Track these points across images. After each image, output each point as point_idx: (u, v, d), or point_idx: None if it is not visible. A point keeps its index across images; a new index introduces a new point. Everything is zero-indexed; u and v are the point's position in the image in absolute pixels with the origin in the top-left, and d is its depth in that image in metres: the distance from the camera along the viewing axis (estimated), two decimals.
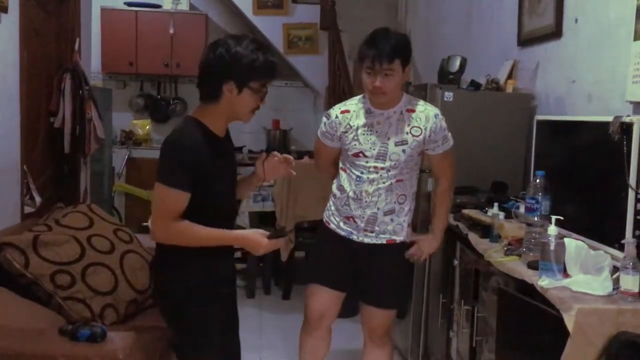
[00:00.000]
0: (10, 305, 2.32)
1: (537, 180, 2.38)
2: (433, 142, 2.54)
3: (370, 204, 2.55)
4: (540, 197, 2.34)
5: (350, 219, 2.59)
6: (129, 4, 6.33)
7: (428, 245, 2.68)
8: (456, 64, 3.43)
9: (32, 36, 3.40)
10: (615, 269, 1.90)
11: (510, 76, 3.36)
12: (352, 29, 6.42)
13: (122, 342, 2.17)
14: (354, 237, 2.61)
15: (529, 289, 2.00)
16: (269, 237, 2.07)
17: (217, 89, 2.02)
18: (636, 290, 1.80)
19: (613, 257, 1.96)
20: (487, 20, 3.95)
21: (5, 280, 2.44)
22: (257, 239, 2.08)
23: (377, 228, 2.58)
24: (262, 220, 4.67)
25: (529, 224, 2.28)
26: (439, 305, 3.05)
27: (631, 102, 2.34)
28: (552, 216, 2.08)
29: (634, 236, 1.98)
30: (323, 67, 6.17)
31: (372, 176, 2.53)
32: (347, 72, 5.52)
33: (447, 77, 3.42)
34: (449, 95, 3.12)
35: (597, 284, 1.85)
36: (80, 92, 3.87)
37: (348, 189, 2.58)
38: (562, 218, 2.08)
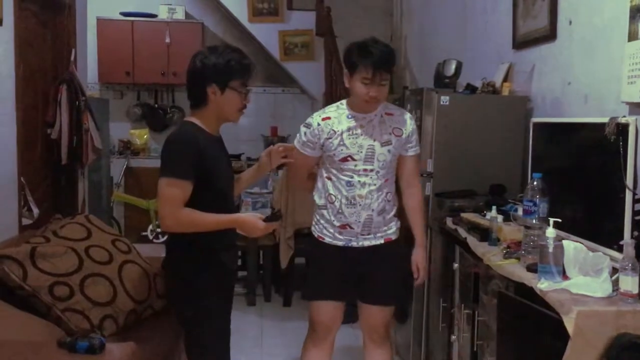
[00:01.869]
0: (8, 318, 2.31)
1: (535, 183, 2.37)
2: (409, 142, 2.64)
3: (364, 206, 2.57)
4: (537, 200, 2.34)
5: (346, 226, 2.60)
6: (125, 14, 6.35)
7: (422, 260, 2.73)
8: (452, 68, 3.43)
9: (27, 48, 3.41)
10: (614, 271, 1.89)
11: (506, 79, 3.37)
12: (348, 34, 6.39)
13: (121, 354, 2.16)
14: (353, 244, 2.62)
15: (528, 292, 1.99)
16: (265, 220, 2.20)
17: (203, 93, 2.24)
18: (636, 291, 1.79)
19: (612, 259, 1.95)
20: (482, 23, 3.96)
21: (3, 293, 2.43)
22: (253, 221, 2.21)
23: (373, 229, 2.61)
24: None
25: (527, 227, 2.28)
26: (439, 310, 3.04)
27: (627, 103, 2.34)
28: (550, 218, 2.07)
29: (632, 237, 1.97)
30: (319, 73, 6.18)
31: (362, 179, 2.56)
32: (343, 77, 5.52)
33: (443, 82, 3.42)
34: (445, 100, 3.13)
35: (597, 286, 1.84)
36: (77, 102, 3.87)
37: (339, 196, 2.58)
38: (560, 220, 2.07)
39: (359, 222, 2.58)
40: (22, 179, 3.23)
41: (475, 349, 2.56)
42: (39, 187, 3.61)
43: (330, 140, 2.58)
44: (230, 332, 2.40)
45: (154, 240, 6.16)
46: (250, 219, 2.23)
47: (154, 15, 6.42)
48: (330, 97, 5.72)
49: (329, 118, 2.62)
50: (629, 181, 2.00)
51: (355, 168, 2.56)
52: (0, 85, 3.02)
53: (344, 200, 2.58)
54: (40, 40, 3.70)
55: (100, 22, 6.17)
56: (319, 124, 2.61)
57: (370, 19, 6.56)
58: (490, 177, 3.08)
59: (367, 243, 2.62)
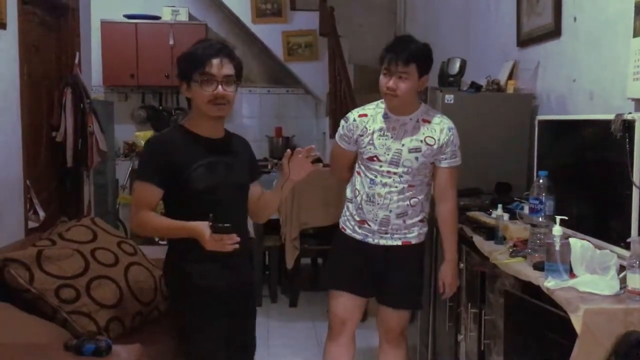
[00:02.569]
0: (15, 321, 2.31)
1: (540, 181, 2.36)
2: (443, 153, 2.58)
3: (382, 206, 2.57)
4: (544, 198, 2.33)
5: (364, 222, 2.62)
6: (129, 17, 6.36)
7: (447, 275, 2.68)
8: (456, 66, 3.42)
9: (31, 51, 3.42)
10: (621, 268, 1.88)
11: (510, 77, 3.35)
12: (351, 34, 6.44)
13: (128, 356, 2.15)
14: (370, 240, 2.63)
15: (535, 291, 1.98)
16: (212, 230, 1.99)
17: (182, 93, 2.20)
18: None
19: (619, 256, 1.94)
20: (486, 21, 3.95)
21: (9, 296, 2.43)
22: (200, 230, 2.01)
23: (390, 230, 2.60)
24: (266, 228, 4.66)
25: (533, 225, 2.27)
26: (446, 309, 3.03)
27: (632, 99, 2.32)
28: (556, 216, 2.06)
29: (639, 234, 1.96)
30: (323, 73, 6.18)
31: (385, 180, 2.56)
32: (347, 77, 5.52)
33: (447, 80, 3.41)
34: (449, 98, 3.11)
35: (604, 284, 1.83)
36: (82, 105, 3.89)
37: (362, 192, 2.61)
38: (566, 218, 2.06)
39: (376, 220, 2.59)
40: (27, 182, 3.24)
41: (482, 348, 2.55)
42: (44, 190, 3.62)
43: (362, 137, 2.60)
44: (235, 343, 2.31)
45: (160, 242, 6.15)
46: (197, 228, 2.02)
47: (158, 17, 6.42)
48: (335, 97, 5.72)
49: (365, 115, 2.63)
50: (636, 178, 1.98)
51: (380, 169, 2.56)
52: (5, 89, 3.03)
53: (364, 197, 2.60)
54: (44, 43, 3.71)
55: (104, 24, 6.18)
56: (354, 120, 2.64)
57: (374, 18, 6.56)
58: (496, 176, 3.07)
59: (383, 242, 2.62)
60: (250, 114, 6.79)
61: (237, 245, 2.01)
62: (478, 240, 2.60)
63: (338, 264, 2.78)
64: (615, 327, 1.71)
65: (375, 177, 2.58)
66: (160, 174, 2.11)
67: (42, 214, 3.31)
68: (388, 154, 2.55)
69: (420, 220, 2.66)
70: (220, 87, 2.11)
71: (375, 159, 2.56)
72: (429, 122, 2.58)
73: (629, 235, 1.97)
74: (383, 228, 2.61)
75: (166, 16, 6.44)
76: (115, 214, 5.92)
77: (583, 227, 2.25)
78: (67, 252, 2.67)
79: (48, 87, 3.74)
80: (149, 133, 6.56)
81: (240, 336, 2.33)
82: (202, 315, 2.19)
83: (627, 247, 1.92)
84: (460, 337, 2.84)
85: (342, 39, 5.94)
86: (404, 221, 2.61)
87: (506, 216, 2.60)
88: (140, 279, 2.85)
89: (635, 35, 2.29)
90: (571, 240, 1.98)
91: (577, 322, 1.71)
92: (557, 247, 1.93)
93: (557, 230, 1.98)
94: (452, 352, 2.98)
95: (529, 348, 2.06)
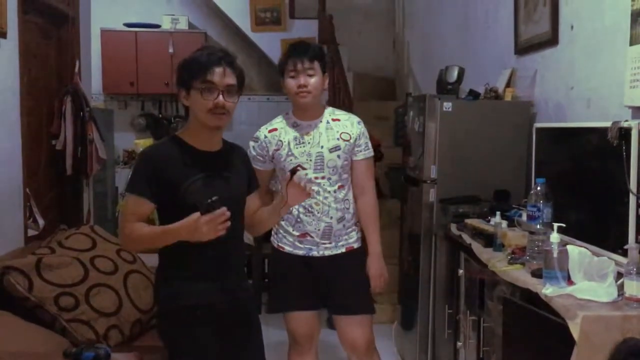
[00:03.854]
0: (14, 329, 2.32)
1: (538, 188, 2.37)
2: (358, 146, 2.63)
3: (323, 214, 2.56)
4: (541, 205, 2.33)
5: (306, 235, 2.59)
6: (129, 25, 6.38)
7: (376, 268, 2.66)
8: (454, 74, 3.43)
9: (31, 60, 3.43)
10: (619, 275, 1.88)
11: (508, 84, 3.37)
12: (350, 42, 6.46)
13: None
14: (314, 253, 2.61)
15: (534, 298, 1.99)
16: (201, 212, 1.87)
17: (180, 102, 2.12)
18: None
19: (617, 263, 1.94)
20: (484, 29, 3.97)
21: (9, 304, 2.44)
22: (189, 221, 1.88)
23: (333, 237, 2.60)
24: (266, 236, 4.65)
25: (531, 232, 2.27)
26: (445, 316, 3.03)
27: (629, 107, 2.33)
28: (554, 223, 2.07)
29: (636, 241, 1.96)
30: None
31: (315, 188, 2.52)
32: (346, 85, 5.54)
33: (445, 88, 3.43)
34: (448, 106, 3.13)
35: (602, 291, 1.83)
36: (81, 113, 3.89)
37: (296, 206, 2.52)
38: (564, 225, 2.06)
39: (318, 230, 2.57)
40: (27, 190, 3.24)
41: (481, 356, 2.54)
42: (44, 198, 3.62)
43: (278, 151, 2.58)
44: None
45: None
46: (185, 222, 1.90)
47: (158, 26, 6.45)
48: (334, 104, 5.72)
49: (275, 130, 2.63)
50: (633, 185, 1.99)
51: (305, 177, 2.48)
52: (5, 97, 3.04)
53: (301, 210, 2.56)
54: (44, 52, 3.73)
55: (104, 33, 6.21)
56: (265, 137, 2.62)
57: (373, 26, 6.59)
58: (494, 183, 3.08)
59: (328, 252, 2.61)
60: (249, 121, 6.79)
61: (228, 224, 1.88)
62: (476, 247, 2.60)
63: (283, 285, 2.70)
64: (613, 334, 1.71)
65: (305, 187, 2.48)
66: (153, 188, 2.02)
67: (41, 222, 3.31)
68: (310, 160, 2.55)
69: (355, 224, 2.67)
70: (221, 96, 2.04)
71: (299, 168, 2.47)
72: (339, 120, 2.63)
73: (626, 242, 1.97)
74: (326, 237, 2.58)
75: (166, 25, 6.47)
76: (114, 222, 5.92)
77: (581, 234, 2.25)
78: (66, 260, 2.68)
79: (48, 96, 3.75)
80: (148, 141, 6.58)
81: (237, 354, 2.21)
82: (189, 336, 2.08)
83: (624, 254, 1.92)
84: (459, 345, 2.84)
85: (341, 47, 5.95)
86: (344, 225, 2.61)
87: (504, 223, 2.60)
88: (140, 287, 2.85)
89: (632, 44, 2.30)
90: (569, 247, 1.98)
91: (575, 329, 1.71)
92: (555, 254, 1.94)
93: (554, 237, 1.98)
94: (451, 359, 2.98)
95: (527, 355, 2.06)
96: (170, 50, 6.28)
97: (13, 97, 3.13)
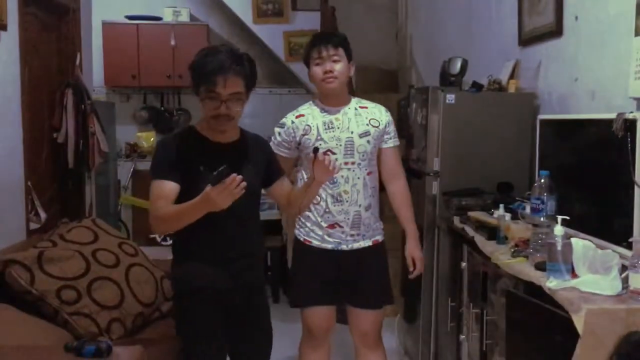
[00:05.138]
0: (16, 323, 2.31)
1: (542, 180, 2.35)
2: (388, 133, 2.65)
3: (352, 202, 2.56)
4: (545, 197, 2.32)
5: (335, 225, 2.58)
6: (130, 17, 6.36)
7: (414, 249, 2.73)
8: (457, 65, 3.41)
9: (32, 53, 3.42)
10: (623, 268, 1.87)
11: (512, 76, 3.34)
12: (352, 34, 6.41)
13: (129, 357, 2.15)
14: (343, 247, 2.61)
15: (537, 291, 1.97)
16: (211, 184, 1.91)
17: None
18: None
19: (621, 256, 1.92)
20: (487, 21, 3.94)
21: (11, 298, 2.43)
22: (203, 196, 1.94)
23: (362, 227, 2.60)
24: (268, 228, 4.66)
25: (535, 225, 2.26)
26: (447, 309, 3.02)
27: (634, 99, 2.31)
28: (558, 216, 2.05)
29: None
30: None
31: (345, 174, 2.54)
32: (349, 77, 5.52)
33: (448, 80, 3.41)
34: (451, 98, 3.11)
35: (606, 284, 1.82)
36: (83, 106, 3.89)
37: (323, 195, 2.55)
38: (568, 218, 2.05)
39: (348, 219, 2.57)
40: (29, 184, 3.24)
41: (484, 349, 2.54)
42: (46, 191, 3.62)
43: (306, 136, 2.57)
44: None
45: (162, 243, 6.16)
46: (202, 195, 1.95)
47: (159, 18, 6.42)
48: None
49: (302, 115, 2.62)
50: (638, 177, 1.97)
51: (336, 163, 2.45)
52: (6, 90, 3.03)
53: (329, 199, 2.56)
54: (45, 44, 3.72)
55: (106, 25, 6.18)
56: (292, 122, 2.62)
57: (375, 18, 6.56)
58: (498, 175, 3.06)
59: (356, 246, 2.61)
60: (251, 114, 6.76)
61: (244, 184, 1.89)
62: (480, 240, 2.59)
63: (307, 279, 2.68)
64: (617, 327, 1.70)
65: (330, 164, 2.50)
66: (176, 170, 2.11)
67: (43, 215, 3.31)
68: (340, 145, 2.55)
69: (377, 211, 2.69)
70: (223, 106, 2.08)
71: (329, 153, 2.47)
72: (366, 107, 2.66)
73: (631, 234, 1.96)
74: (355, 226, 2.58)
75: (167, 17, 6.44)
76: (116, 215, 5.93)
77: (585, 227, 2.23)
78: (68, 254, 2.67)
79: (49, 88, 3.75)
80: (150, 134, 6.58)
81: (244, 334, 2.35)
82: (197, 315, 2.23)
83: (629, 246, 1.91)
84: (462, 338, 2.83)
85: None
86: (372, 214, 2.62)
87: (508, 216, 2.59)
88: (142, 280, 2.85)
89: (636, 35, 2.28)
90: (573, 240, 1.97)
91: (579, 323, 1.70)
92: (559, 247, 1.92)
93: (558, 230, 1.97)
94: (454, 352, 2.97)
95: (530, 348, 2.06)
96: (172, 43, 6.26)
97: (14, 90, 3.12)
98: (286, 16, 6.39)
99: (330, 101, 2.61)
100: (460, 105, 3.12)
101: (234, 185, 1.89)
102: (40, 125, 3.61)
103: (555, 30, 2.98)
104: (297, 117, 2.63)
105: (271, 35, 6.36)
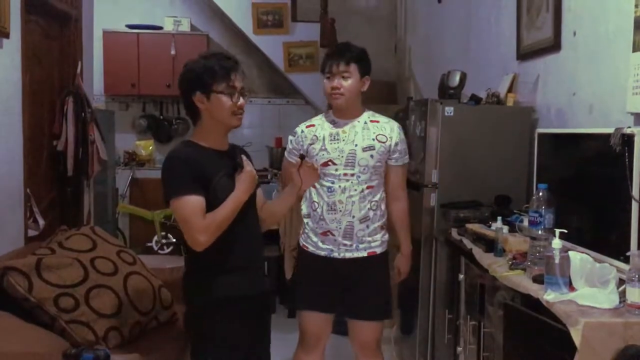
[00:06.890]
0: (13, 330, 2.31)
1: (540, 194, 2.36)
2: (397, 152, 2.68)
3: (345, 213, 2.60)
4: (543, 210, 2.33)
5: (327, 233, 2.63)
6: (131, 27, 6.39)
7: (403, 265, 2.84)
8: (456, 78, 3.43)
9: (34, 60, 3.43)
10: (621, 282, 1.88)
11: (510, 90, 3.36)
12: None
13: None
14: (335, 255, 2.64)
15: (534, 304, 1.98)
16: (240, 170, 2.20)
17: (191, 105, 2.20)
18: None
19: (618, 270, 1.93)
20: (486, 34, 3.97)
21: (8, 305, 2.43)
22: (242, 181, 2.18)
23: (355, 238, 2.62)
24: (266, 237, 4.65)
25: (532, 238, 2.27)
26: (445, 321, 3.03)
27: (632, 114, 2.33)
28: (556, 229, 2.06)
29: (638, 248, 1.96)
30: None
31: (343, 184, 2.60)
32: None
33: (447, 92, 3.42)
34: (449, 110, 3.13)
35: (604, 297, 1.83)
36: (83, 114, 3.89)
37: (321, 202, 2.63)
38: (566, 231, 2.06)
39: (340, 228, 2.61)
40: (28, 191, 3.24)
41: None
42: (44, 199, 3.62)
43: (312, 145, 2.66)
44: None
45: (159, 252, 6.17)
46: (239, 185, 2.18)
47: (160, 28, 6.46)
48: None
49: (312, 125, 2.73)
50: (635, 192, 1.99)
51: (335, 173, 2.60)
52: (7, 98, 3.04)
53: (325, 207, 2.62)
54: (46, 52, 3.73)
55: (106, 34, 6.21)
56: (302, 131, 2.73)
57: (375, 31, 6.59)
58: (496, 188, 3.08)
59: (349, 255, 2.64)
60: (250, 124, 6.80)
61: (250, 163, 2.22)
62: (477, 252, 2.60)
63: (305, 283, 2.77)
64: (614, 340, 1.71)
65: (333, 183, 2.61)
66: (198, 183, 2.11)
67: (42, 222, 3.31)
68: (342, 156, 2.62)
69: (381, 227, 2.70)
70: (241, 98, 2.21)
71: (330, 163, 2.61)
72: (377, 122, 2.70)
73: (628, 248, 1.97)
74: (347, 236, 2.62)
75: (168, 26, 6.48)
76: (114, 223, 5.92)
77: (582, 240, 2.25)
78: (66, 261, 2.67)
79: (50, 96, 3.75)
80: (149, 142, 6.59)
81: (258, 344, 2.38)
82: (224, 326, 2.20)
83: (626, 260, 1.92)
84: (459, 350, 2.83)
85: None
86: (367, 226, 2.64)
87: (506, 229, 2.60)
88: (140, 288, 2.85)
89: (634, 50, 2.30)
90: (570, 253, 1.98)
91: (576, 336, 1.71)
92: (557, 260, 1.93)
93: (556, 243, 1.97)
94: None
95: None
96: (172, 52, 6.29)
97: (15, 97, 3.13)
98: (286, 27, 6.42)
99: (340, 114, 2.69)
100: (458, 118, 3.14)
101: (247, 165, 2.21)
102: (41, 133, 3.61)
103: (554, 45, 3.00)
104: (307, 126, 2.74)
105: (271, 45, 6.39)
